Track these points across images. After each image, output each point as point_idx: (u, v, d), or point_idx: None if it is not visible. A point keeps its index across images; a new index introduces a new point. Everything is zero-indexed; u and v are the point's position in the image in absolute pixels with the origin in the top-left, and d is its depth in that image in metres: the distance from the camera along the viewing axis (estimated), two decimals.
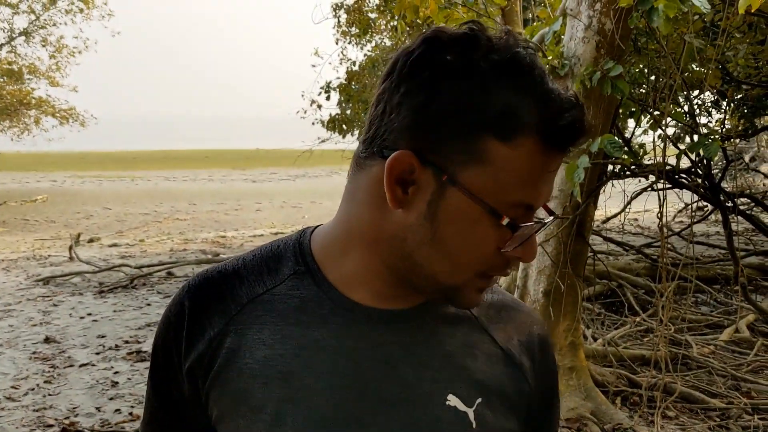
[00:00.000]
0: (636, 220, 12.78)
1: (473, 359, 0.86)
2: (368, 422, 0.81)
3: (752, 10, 2.16)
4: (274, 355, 0.83)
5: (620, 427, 3.88)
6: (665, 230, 4.14)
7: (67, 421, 4.40)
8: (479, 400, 0.84)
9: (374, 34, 11.75)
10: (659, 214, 3.88)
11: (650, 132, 5.90)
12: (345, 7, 11.61)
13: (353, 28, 11.54)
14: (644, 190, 5.07)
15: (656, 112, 4.39)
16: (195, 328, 0.86)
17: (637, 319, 5.47)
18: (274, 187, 25.93)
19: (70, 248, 10.49)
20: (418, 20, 4.77)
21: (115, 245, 12.12)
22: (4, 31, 20.74)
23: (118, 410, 4.59)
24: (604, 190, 5.60)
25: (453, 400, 0.83)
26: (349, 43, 12.42)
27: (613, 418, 3.98)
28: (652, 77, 5.11)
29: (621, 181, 5.34)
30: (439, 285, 0.81)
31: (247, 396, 0.82)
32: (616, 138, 3.83)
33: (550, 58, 4.12)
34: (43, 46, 20.96)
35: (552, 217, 0.82)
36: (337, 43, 12.38)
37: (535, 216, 0.79)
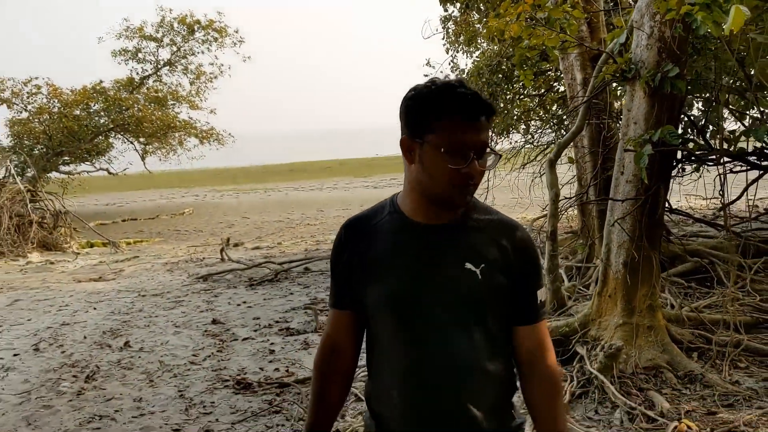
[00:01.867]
0: (756, 206, 12.77)
1: (480, 246, 1.72)
2: (423, 276, 1.70)
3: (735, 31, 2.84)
4: (383, 250, 1.76)
5: (692, 374, 4.53)
6: (728, 210, 4.73)
7: (239, 377, 5.58)
8: (483, 265, 1.69)
9: (481, 42, 12.52)
10: (720, 192, 4.50)
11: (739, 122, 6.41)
12: (453, 18, 12.50)
13: (461, 38, 12.39)
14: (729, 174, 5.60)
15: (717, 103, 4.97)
16: (347, 244, 1.82)
17: (726, 291, 5.98)
18: (394, 192, 27.01)
19: (222, 250, 12.01)
20: (506, 38, 5.58)
21: (257, 248, 13.64)
22: (151, 63, 22.96)
23: (276, 369, 5.74)
24: (703, 176, 6.15)
25: (468, 265, 1.69)
26: (458, 52, 13.26)
27: (687, 367, 4.62)
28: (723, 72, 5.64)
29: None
30: (437, 196, 1.68)
31: (371, 270, 1.76)
32: (675, 129, 4.49)
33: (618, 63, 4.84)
34: (184, 73, 23.04)
35: (495, 155, 1.68)
36: (447, 53, 13.26)
37: (486, 155, 1.65)
